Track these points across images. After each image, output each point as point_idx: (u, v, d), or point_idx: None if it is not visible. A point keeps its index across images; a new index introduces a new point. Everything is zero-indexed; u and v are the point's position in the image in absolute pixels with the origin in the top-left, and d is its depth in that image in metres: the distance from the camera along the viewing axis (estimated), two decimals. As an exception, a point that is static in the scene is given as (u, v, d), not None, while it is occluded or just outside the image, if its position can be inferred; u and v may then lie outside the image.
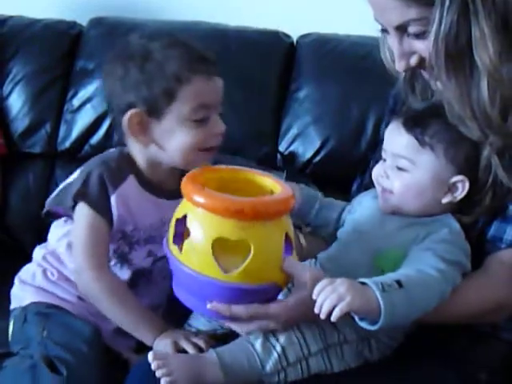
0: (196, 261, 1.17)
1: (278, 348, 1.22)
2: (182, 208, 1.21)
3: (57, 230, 1.49)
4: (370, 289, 1.14)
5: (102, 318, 1.41)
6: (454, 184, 1.29)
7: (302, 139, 1.95)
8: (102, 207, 1.36)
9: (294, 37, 2.06)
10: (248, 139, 1.95)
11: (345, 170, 1.63)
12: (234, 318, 1.21)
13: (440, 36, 1.20)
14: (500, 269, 1.28)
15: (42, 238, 2.02)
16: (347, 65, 1.96)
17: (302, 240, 1.40)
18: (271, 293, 1.22)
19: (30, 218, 2.02)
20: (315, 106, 1.95)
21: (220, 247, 1.17)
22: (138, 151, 1.39)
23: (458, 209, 1.32)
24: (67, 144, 2.05)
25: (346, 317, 1.14)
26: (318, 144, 1.94)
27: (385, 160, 1.33)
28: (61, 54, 2.08)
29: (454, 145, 1.27)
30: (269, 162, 1.93)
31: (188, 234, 1.18)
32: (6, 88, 2.06)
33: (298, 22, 2.06)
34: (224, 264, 1.17)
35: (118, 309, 1.37)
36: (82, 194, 1.37)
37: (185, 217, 1.19)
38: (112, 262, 1.41)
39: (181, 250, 1.19)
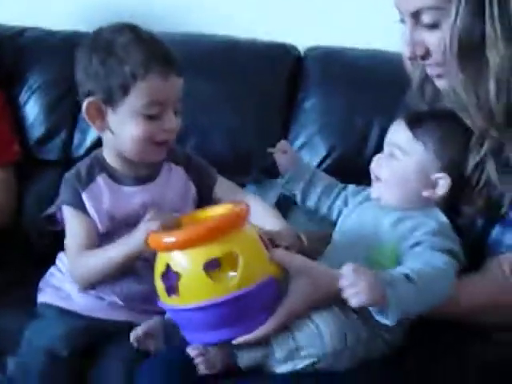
0: (198, 292, 1.24)
1: (294, 342, 1.29)
2: (161, 262, 1.27)
3: None
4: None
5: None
6: (437, 180, 1.36)
7: (309, 148, 1.99)
8: (79, 205, 1.46)
9: (302, 49, 2.10)
10: (256, 148, 1.99)
11: (350, 178, 1.66)
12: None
13: (454, 30, 1.26)
14: (499, 270, 1.32)
15: (56, 243, 2.07)
16: (352, 77, 2.00)
17: (304, 239, 1.47)
18: (273, 285, 1.28)
19: (45, 224, 2.07)
20: (321, 116, 2.00)
21: (210, 274, 1.24)
22: (104, 140, 1.47)
23: (450, 208, 1.37)
24: (82, 151, 2.08)
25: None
26: (324, 153, 1.98)
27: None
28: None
29: (444, 143, 1.35)
30: (276, 170, 1.96)
31: (179, 277, 1.24)
32: (23, 97, 2.10)
33: (306, 35, 2.10)
34: (221, 283, 1.24)
35: (104, 261, 1.43)
36: (61, 199, 1.49)
37: (168, 268, 1.25)
38: None
39: (178, 295, 1.25)
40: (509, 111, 1.29)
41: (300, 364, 1.29)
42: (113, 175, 1.47)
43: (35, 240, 2.02)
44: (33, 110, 2.11)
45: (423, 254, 1.30)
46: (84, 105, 1.42)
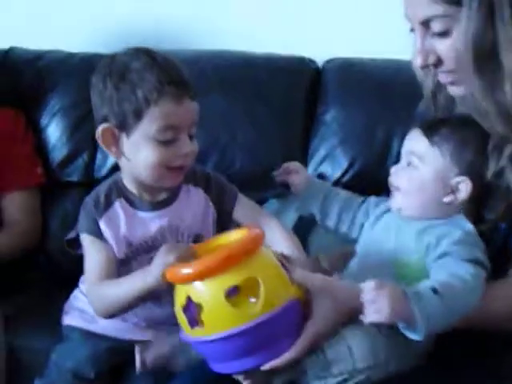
0: (222, 322, 1.23)
1: (325, 360, 1.28)
2: (180, 294, 1.26)
3: None
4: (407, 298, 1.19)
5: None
6: (457, 185, 1.35)
7: (330, 161, 1.99)
8: (96, 232, 1.44)
9: (320, 62, 2.10)
10: (277, 161, 1.93)
11: (371, 189, 1.66)
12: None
13: (467, 37, 1.26)
14: None
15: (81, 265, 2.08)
16: (372, 88, 1.99)
17: (325, 264, 1.46)
18: (296, 307, 1.28)
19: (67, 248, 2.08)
20: (342, 128, 1.99)
21: (232, 302, 1.23)
22: (121, 166, 1.45)
23: (473, 215, 1.36)
24: (103, 172, 2.10)
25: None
26: (345, 165, 1.98)
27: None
28: (96, 86, 2.15)
29: (460, 148, 1.35)
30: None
31: (201, 309, 1.23)
32: (44, 119, 2.12)
33: (323, 48, 2.10)
34: (244, 310, 1.24)
35: (121, 294, 1.39)
36: (80, 226, 1.46)
37: (189, 299, 1.24)
38: None
39: (202, 326, 1.24)
40: None
41: (332, 381, 1.28)
42: (130, 200, 1.45)
43: (60, 261, 2.04)
44: (54, 132, 2.12)
45: (450, 265, 1.28)
46: (98, 131, 1.39)
